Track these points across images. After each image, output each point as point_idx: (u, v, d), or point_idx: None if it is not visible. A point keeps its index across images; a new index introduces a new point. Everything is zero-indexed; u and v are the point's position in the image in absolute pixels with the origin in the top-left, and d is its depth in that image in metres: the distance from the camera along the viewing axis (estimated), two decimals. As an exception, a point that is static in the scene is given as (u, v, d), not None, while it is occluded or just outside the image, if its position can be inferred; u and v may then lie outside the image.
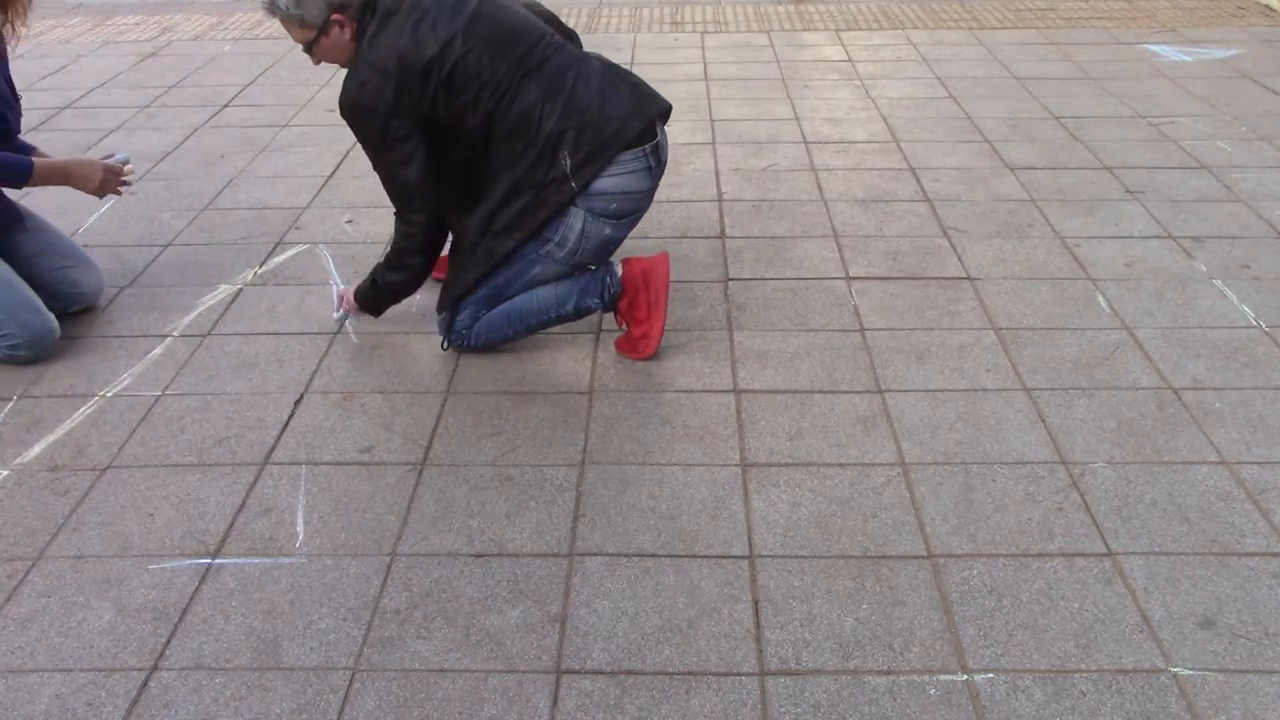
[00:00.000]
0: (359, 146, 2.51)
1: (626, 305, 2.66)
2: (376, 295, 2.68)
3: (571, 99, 2.44)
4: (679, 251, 3.19)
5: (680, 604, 1.93)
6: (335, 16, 2.36)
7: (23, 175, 2.69)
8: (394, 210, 2.54)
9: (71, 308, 2.89)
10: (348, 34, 2.39)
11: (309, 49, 2.43)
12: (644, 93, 2.56)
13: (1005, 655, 1.81)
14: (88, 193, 2.83)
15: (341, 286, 2.87)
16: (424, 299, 2.93)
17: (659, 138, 2.55)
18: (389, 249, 2.63)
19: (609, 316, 2.81)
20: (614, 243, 2.60)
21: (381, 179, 2.50)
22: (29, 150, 2.87)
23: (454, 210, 2.56)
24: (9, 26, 2.64)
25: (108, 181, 2.82)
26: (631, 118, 2.48)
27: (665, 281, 2.62)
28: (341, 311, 2.80)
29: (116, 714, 1.73)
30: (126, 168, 2.88)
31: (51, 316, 2.72)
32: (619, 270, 2.64)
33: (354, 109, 2.38)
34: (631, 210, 2.57)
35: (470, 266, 2.55)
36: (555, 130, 2.41)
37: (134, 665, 1.82)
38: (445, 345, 2.69)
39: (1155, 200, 3.53)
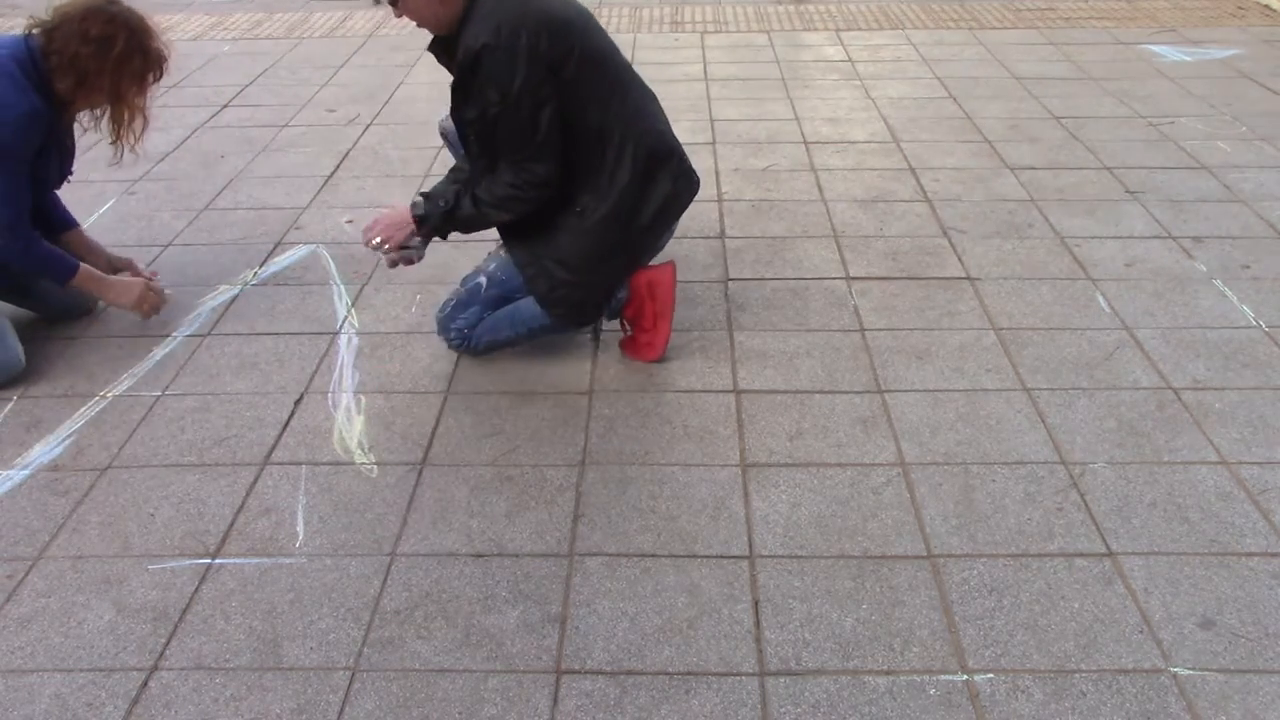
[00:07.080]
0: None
1: (633, 314, 2.67)
2: (470, 217, 2.48)
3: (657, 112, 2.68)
4: (679, 252, 3.19)
5: (680, 604, 1.93)
6: None
7: (66, 275, 2.69)
8: (503, 163, 2.41)
9: (73, 313, 2.88)
10: None
11: (396, 1, 2.35)
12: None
13: (1005, 655, 1.81)
14: (125, 309, 2.81)
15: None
16: (421, 302, 2.94)
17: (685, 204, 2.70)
18: (482, 190, 2.44)
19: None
20: None
21: (500, 131, 2.37)
22: (72, 225, 2.90)
23: (575, 184, 2.47)
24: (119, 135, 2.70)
25: (145, 299, 2.80)
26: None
27: (671, 292, 2.62)
28: (378, 240, 2.54)
29: (116, 714, 1.73)
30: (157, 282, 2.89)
31: (18, 349, 2.62)
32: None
33: (483, 50, 2.28)
34: None
35: (616, 267, 2.57)
36: (667, 131, 2.61)
37: (134, 665, 1.82)
38: (451, 345, 2.67)
39: (1155, 200, 3.53)
